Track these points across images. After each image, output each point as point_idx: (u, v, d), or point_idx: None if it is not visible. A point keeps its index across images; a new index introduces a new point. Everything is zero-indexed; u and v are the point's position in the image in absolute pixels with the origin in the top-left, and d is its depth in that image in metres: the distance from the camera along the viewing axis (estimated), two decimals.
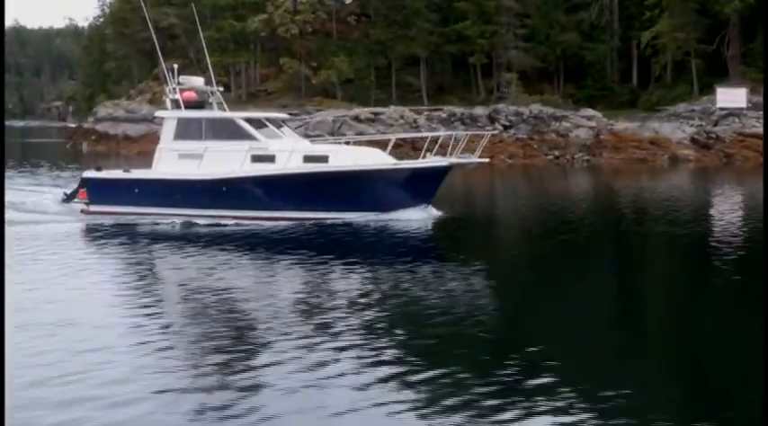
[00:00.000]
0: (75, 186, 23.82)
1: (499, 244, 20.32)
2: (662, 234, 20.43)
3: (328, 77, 62.54)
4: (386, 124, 53.00)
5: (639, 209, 25.96)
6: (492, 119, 52.49)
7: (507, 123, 52.02)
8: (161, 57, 24.81)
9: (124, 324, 11.08)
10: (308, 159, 21.48)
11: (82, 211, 22.67)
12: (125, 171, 24.11)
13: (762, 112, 47.60)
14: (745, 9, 51.64)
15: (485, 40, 59.51)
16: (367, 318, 11.31)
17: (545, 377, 8.69)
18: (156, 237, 19.44)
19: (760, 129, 47.19)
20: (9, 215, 21.61)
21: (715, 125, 49.38)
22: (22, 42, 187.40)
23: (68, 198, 23.68)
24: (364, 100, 61.28)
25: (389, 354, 9.62)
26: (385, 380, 8.61)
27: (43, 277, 14.30)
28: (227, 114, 22.98)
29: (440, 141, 21.80)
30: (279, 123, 23.08)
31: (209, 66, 26.23)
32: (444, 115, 54.09)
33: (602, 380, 8.74)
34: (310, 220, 20.97)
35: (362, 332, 10.58)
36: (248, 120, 22.32)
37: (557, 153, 50.12)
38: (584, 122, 51.60)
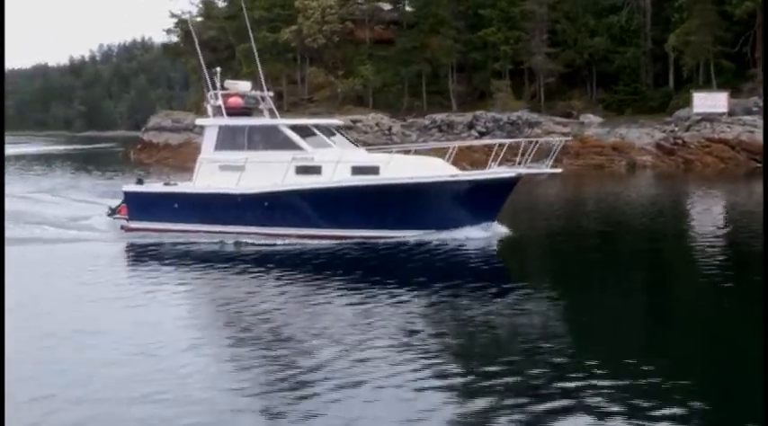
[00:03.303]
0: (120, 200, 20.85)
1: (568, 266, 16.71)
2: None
3: (354, 85, 59.39)
4: (361, 131, 50.23)
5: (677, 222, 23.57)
6: (471, 126, 50.04)
7: (484, 130, 49.34)
8: (203, 64, 21.74)
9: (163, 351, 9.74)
10: (356, 170, 18.11)
11: (122, 228, 19.68)
12: (166, 183, 21.04)
13: (735, 118, 44.81)
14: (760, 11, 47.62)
15: (509, 47, 55.83)
16: (423, 347, 9.66)
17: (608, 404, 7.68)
18: (193, 257, 16.63)
19: (729, 135, 44.25)
20: (47, 232, 19.14)
21: (686, 130, 45.59)
22: (173, 58, 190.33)
23: (112, 212, 20.60)
24: (397, 107, 57.93)
25: (448, 382, 8.46)
26: (441, 407, 7.71)
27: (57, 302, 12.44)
28: (271, 121, 19.82)
29: (505, 147, 18.49)
30: (331, 131, 19.71)
31: (260, 71, 22.83)
32: (427, 122, 51.16)
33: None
34: (359, 239, 17.60)
35: (422, 360, 9.13)
36: (293, 128, 19.09)
37: (518, 159, 46.38)
38: (557, 129, 48.21)
